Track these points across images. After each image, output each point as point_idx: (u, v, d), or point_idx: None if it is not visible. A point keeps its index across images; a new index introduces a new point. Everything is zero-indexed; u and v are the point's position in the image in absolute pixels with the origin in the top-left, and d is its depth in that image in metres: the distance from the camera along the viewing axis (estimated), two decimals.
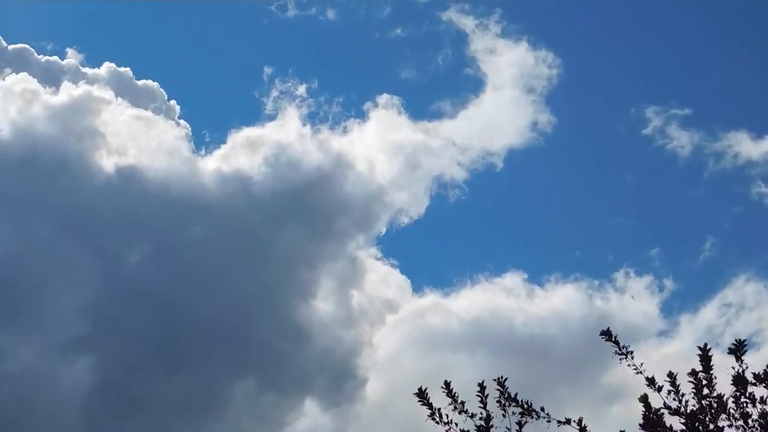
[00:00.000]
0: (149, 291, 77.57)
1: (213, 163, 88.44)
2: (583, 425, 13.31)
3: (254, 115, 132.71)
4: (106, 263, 77.47)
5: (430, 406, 13.35)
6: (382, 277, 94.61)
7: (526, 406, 13.28)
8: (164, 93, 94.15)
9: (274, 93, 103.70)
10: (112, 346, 74.58)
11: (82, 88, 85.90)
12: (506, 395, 13.23)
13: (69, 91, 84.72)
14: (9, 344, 72.50)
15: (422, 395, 13.40)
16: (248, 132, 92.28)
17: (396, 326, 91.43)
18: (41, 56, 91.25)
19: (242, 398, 77.51)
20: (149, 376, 75.26)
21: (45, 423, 71.30)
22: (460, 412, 13.26)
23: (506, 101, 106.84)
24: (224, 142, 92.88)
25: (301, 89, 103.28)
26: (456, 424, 13.32)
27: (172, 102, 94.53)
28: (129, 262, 78.99)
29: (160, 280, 78.45)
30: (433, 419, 13.31)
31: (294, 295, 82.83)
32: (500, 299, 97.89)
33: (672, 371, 13.41)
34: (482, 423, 13.17)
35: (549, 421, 13.19)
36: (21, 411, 70.26)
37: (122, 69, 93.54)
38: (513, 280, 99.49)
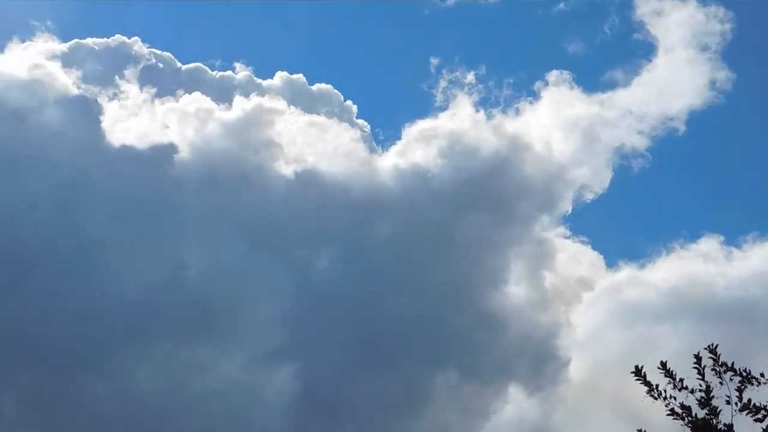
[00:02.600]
0: (342, 294, 77.96)
1: (390, 160, 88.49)
2: None
3: (425, 107, 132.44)
4: (297, 271, 78.35)
5: (647, 383, 12.83)
6: (573, 256, 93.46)
7: (744, 373, 12.87)
8: (340, 95, 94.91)
9: (443, 83, 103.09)
10: (311, 352, 75.19)
11: (254, 100, 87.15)
12: (720, 363, 12.84)
13: (241, 105, 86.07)
14: (212, 359, 74.03)
15: (639, 373, 12.87)
16: (422, 125, 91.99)
17: (593, 303, 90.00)
18: (215, 72, 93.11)
19: (444, 391, 77.28)
20: (350, 378, 75.62)
21: None
22: (680, 390, 12.73)
23: (680, 62, 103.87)
24: (399, 138, 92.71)
25: (470, 76, 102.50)
26: (674, 398, 12.84)
27: (348, 102, 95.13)
28: (319, 268, 79.64)
29: (351, 282, 78.76)
30: (652, 396, 12.76)
31: (485, 283, 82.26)
32: (698, 265, 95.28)
33: None
34: (702, 395, 12.72)
35: None
36: (230, 423, 71.57)
37: (295, 76, 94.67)
38: (709, 244, 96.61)
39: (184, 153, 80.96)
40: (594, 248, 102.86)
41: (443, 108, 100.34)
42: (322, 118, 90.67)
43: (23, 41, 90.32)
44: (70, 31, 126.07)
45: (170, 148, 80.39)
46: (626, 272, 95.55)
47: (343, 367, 75.47)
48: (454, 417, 77.21)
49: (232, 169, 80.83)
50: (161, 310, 73.18)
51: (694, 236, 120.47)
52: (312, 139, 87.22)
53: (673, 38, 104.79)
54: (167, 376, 72.32)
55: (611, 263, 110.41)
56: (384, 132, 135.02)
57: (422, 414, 76.48)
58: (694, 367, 12.81)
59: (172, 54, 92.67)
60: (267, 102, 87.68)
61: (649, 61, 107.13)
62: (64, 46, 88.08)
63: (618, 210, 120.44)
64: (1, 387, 70.40)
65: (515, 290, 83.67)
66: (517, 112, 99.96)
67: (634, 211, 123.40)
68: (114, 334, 71.32)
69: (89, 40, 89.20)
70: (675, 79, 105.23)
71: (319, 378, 74.32)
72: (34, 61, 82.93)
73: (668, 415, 12.78)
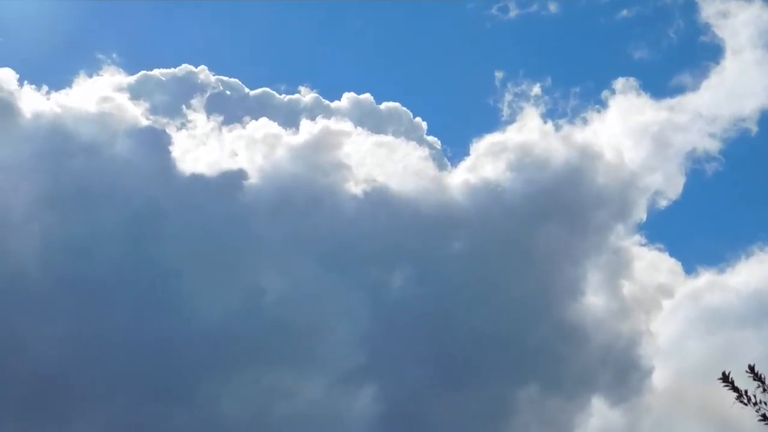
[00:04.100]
0: (418, 312, 77.59)
1: (460, 176, 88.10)
2: None
3: (492, 121, 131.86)
4: (372, 291, 78.06)
5: (736, 389, 12.34)
6: (650, 263, 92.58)
7: None
8: (409, 112, 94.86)
9: (508, 97, 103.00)
10: (391, 372, 74.90)
11: (320, 123, 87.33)
12: None
13: (308, 129, 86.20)
14: (293, 383, 73.99)
15: (726, 379, 12.38)
16: (490, 139, 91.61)
17: (673, 310, 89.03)
18: (283, 96, 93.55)
19: (527, 406, 76.59)
20: (432, 396, 75.15)
21: None
22: None
23: (749, 63, 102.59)
24: (467, 154, 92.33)
25: (536, 88, 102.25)
26: (765, 403, 12.45)
27: (418, 119, 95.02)
28: (394, 287, 79.37)
29: (427, 299, 78.32)
30: (741, 402, 12.27)
31: (563, 294, 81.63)
32: None
33: None
34: None
35: None
36: None
37: (362, 96, 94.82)
38: None
39: (253, 179, 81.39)
40: (671, 255, 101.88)
41: (510, 121, 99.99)
42: (389, 138, 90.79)
43: (90, 75, 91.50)
44: (136, 62, 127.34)
45: (240, 175, 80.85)
46: (706, 278, 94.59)
47: (424, 385, 75.13)
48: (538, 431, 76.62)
49: (302, 192, 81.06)
50: (240, 336, 73.33)
51: None
52: (381, 159, 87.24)
53: (740, 39, 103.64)
54: (250, 402, 72.43)
55: (690, 269, 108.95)
56: (452, 148, 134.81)
57: (505, 430, 75.90)
58: None
59: (239, 80, 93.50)
60: (333, 124, 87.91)
61: (717, 63, 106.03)
62: (131, 78, 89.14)
63: (694, 215, 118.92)
64: (86, 419, 70.98)
65: (594, 301, 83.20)
66: (585, 121, 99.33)
67: (711, 216, 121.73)
68: (195, 362, 71.64)
69: (156, 71, 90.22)
70: (744, 80, 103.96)
71: (400, 398, 74.03)
72: (103, 95, 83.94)
73: (760, 420, 12.33)
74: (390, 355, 75.63)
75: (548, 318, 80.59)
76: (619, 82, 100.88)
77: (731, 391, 12.39)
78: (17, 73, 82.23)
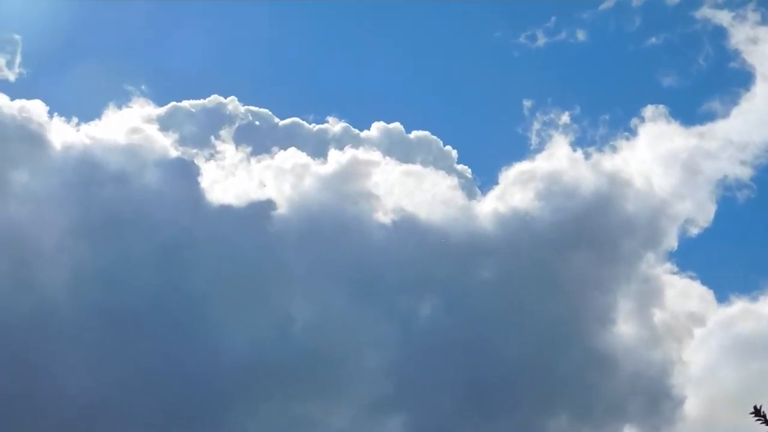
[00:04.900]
0: (447, 341, 77.29)
1: (489, 205, 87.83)
2: None
3: (521, 150, 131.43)
4: (401, 320, 77.93)
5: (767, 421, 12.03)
6: (681, 291, 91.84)
7: None
8: (439, 141, 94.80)
9: (537, 125, 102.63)
10: (419, 401, 74.65)
11: (349, 153, 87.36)
12: None
13: (336, 159, 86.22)
14: (322, 412, 73.85)
15: (758, 413, 12.21)
16: (519, 167, 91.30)
17: (705, 339, 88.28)
18: (312, 126, 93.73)
19: None
20: (460, 426, 74.76)
21: None
22: None
23: None
24: (496, 182, 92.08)
25: (564, 117, 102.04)
26: None
27: (448, 147, 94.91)
28: (422, 316, 79.20)
29: (456, 328, 78.04)
30: None
31: (593, 322, 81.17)
32: None
33: None
34: None
35: None
36: None
37: (391, 125, 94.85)
38: None
39: (282, 209, 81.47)
40: (703, 283, 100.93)
41: (539, 149, 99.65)
42: (418, 167, 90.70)
43: (120, 107, 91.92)
44: (165, 94, 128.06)
45: (268, 205, 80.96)
46: (738, 306, 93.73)
47: (453, 415, 74.77)
48: None
49: (331, 221, 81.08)
50: (269, 365, 73.26)
51: None
52: (409, 188, 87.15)
53: None
54: (278, 431, 72.28)
55: (722, 297, 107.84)
56: (480, 177, 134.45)
57: None
58: None
59: (269, 110, 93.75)
60: (362, 154, 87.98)
61: (747, 89, 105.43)
62: (160, 110, 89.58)
63: (725, 243, 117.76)
64: None
65: (624, 329, 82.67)
66: (615, 149, 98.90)
67: (742, 243, 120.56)
68: (223, 391, 71.58)
69: (186, 102, 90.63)
70: None
71: (428, 427, 73.69)
72: (132, 126, 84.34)
73: None
74: (418, 384, 75.39)
75: (578, 347, 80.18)
76: (649, 110, 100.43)
77: (764, 425, 12.17)
78: (47, 105, 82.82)
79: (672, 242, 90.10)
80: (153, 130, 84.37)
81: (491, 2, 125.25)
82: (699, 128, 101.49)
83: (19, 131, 79.23)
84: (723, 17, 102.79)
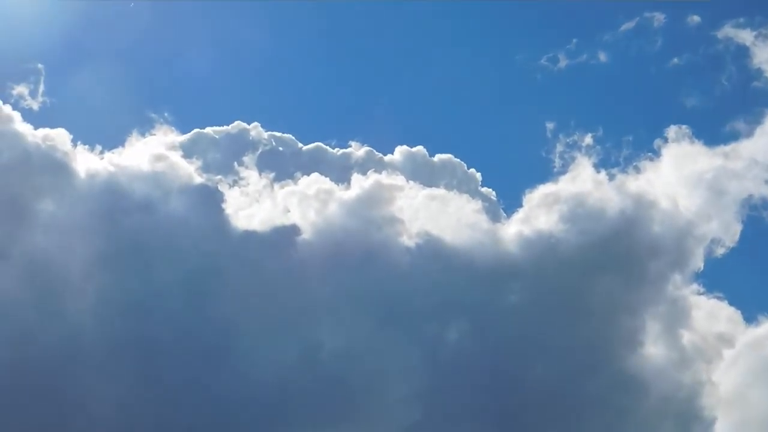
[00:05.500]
0: (475, 367, 76.93)
1: (513, 228, 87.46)
2: None
3: (544, 172, 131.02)
4: (428, 345, 77.52)
5: None
6: (710, 312, 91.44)
7: None
8: (463, 164, 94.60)
9: (560, 147, 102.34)
10: (447, 428, 74.42)
11: (372, 177, 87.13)
12: None
13: (360, 184, 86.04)
14: None
15: None
16: (543, 190, 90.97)
17: (735, 360, 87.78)
18: (336, 150, 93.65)
19: None
20: None
21: None
22: None
23: None
24: (520, 205, 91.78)
25: (587, 138, 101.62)
26: None
27: (472, 170, 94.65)
28: (449, 341, 78.79)
29: (484, 353, 77.66)
30: None
31: (621, 346, 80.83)
32: None
33: None
34: None
35: None
36: None
37: (415, 149, 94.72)
38: None
39: (306, 234, 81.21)
40: (731, 304, 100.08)
41: (563, 172, 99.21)
42: (442, 191, 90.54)
43: (143, 134, 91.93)
44: (188, 121, 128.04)
45: (292, 231, 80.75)
46: (766, 326, 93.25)
47: None
48: None
49: (355, 247, 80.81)
50: (296, 393, 72.94)
51: None
52: (434, 212, 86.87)
53: None
54: None
55: (750, 318, 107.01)
56: (504, 200, 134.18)
57: None
58: None
59: (293, 136, 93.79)
60: (385, 178, 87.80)
61: None
62: (184, 137, 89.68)
63: (752, 263, 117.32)
64: None
65: (653, 351, 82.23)
66: (639, 170, 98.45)
67: None
68: (250, 419, 71.32)
69: (209, 129, 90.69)
70: None
71: None
72: (156, 153, 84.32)
73: None
74: (446, 410, 74.96)
75: (607, 370, 79.78)
76: (672, 130, 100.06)
77: None
78: (71, 133, 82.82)
79: (698, 263, 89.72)
80: (177, 157, 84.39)
81: (513, 25, 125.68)
82: (723, 148, 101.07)
83: (43, 160, 79.22)
84: (745, 36, 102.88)
